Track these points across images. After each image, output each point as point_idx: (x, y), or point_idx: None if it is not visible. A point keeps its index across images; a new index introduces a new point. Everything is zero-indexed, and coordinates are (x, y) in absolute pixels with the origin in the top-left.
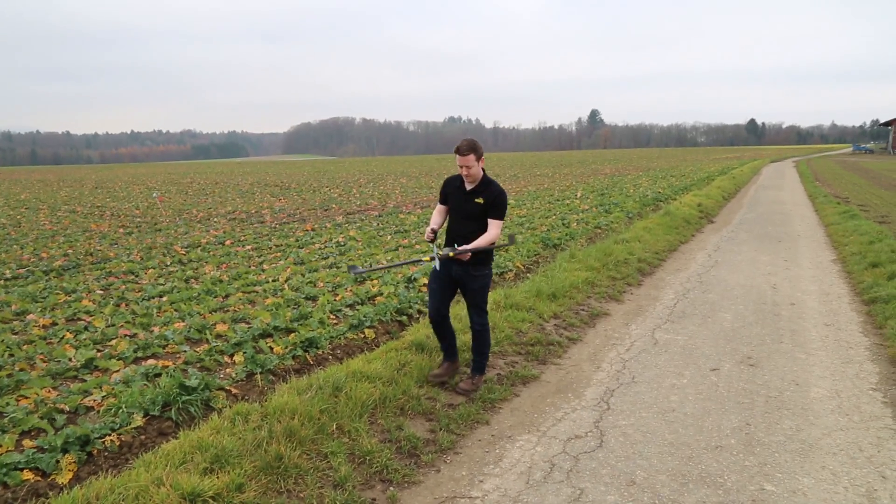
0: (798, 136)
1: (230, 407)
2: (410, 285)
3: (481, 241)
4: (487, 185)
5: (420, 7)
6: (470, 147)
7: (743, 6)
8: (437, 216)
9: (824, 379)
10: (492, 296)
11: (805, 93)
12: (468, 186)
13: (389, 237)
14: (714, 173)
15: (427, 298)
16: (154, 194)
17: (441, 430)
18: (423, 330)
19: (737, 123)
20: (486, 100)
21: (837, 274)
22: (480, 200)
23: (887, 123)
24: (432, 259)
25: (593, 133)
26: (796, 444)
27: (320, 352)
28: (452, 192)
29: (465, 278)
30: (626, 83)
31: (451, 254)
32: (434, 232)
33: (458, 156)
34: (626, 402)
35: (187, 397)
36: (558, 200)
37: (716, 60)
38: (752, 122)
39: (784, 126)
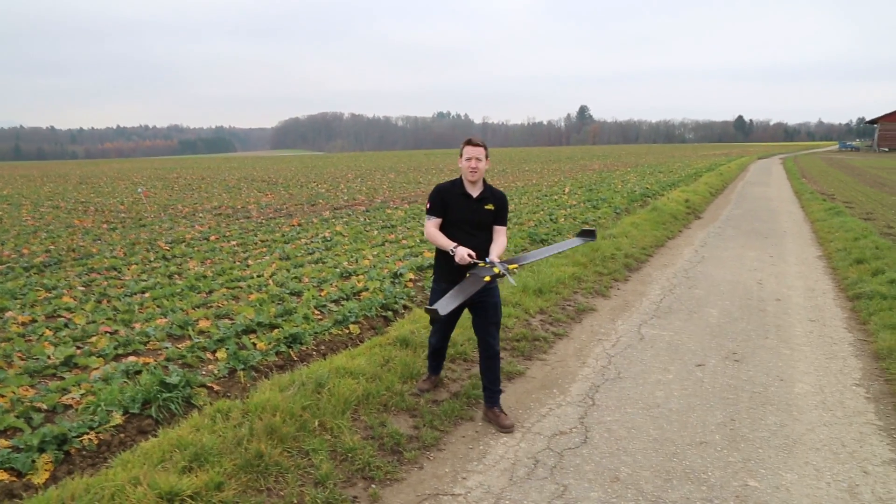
0: (785, 134)
1: (211, 404)
2: (396, 280)
3: (501, 249)
4: (492, 190)
5: (410, 2)
6: (482, 141)
7: (733, 4)
8: (441, 236)
9: (808, 374)
10: None
11: (793, 91)
12: (474, 192)
13: (376, 232)
14: (702, 170)
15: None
16: (139, 189)
17: (425, 426)
18: (407, 325)
19: (725, 120)
20: (475, 95)
21: (823, 270)
22: (491, 207)
23: (873, 121)
24: (502, 275)
25: (582, 129)
26: (780, 439)
27: (304, 348)
28: (455, 200)
29: (483, 295)
30: (616, 80)
31: (511, 267)
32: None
33: (468, 147)
34: (612, 397)
35: (168, 395)
36: (546, 196)
37: (705, 58)
38: (740, 119)
39: (771, 123)
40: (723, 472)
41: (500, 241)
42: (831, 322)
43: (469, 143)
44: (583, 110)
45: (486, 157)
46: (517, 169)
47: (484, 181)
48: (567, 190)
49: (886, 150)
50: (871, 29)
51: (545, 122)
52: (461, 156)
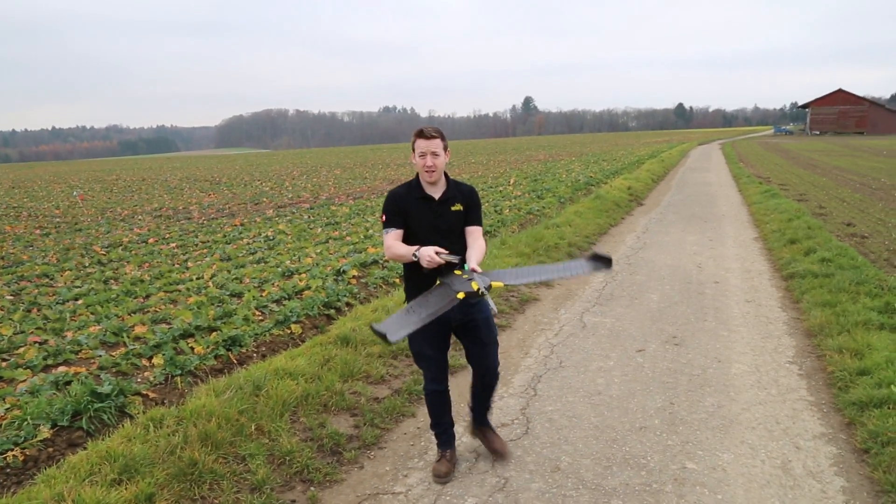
0: (724, 120)
1: (145, 412)
2: (339, 278)
3: (481, 253)
4: (458, 187)
5: None
6: (438, 130)
7: None
8: (401, 246)
9: (745, 355)
10: None
11: (730, 78)
12: (436, 193)
13: (320, 230)
14: (644, 157)
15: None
16: (75, 193)
17: (365, 424)
18: (349, 323)
19: (666, 108)
20: (420, 89)
21: (759, 251)
22: (459, 207)
23: (804, 106)
24: (480, 294)
25: (528, 120)
26: (717, 420)
27: (244, 350)
28: (414, 206)
29: (472, 312)
30: (559, 70)
31: (494, 285)
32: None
33: (420, 141)
34: (553, 387)
35: (100, 405)
36: (492, 188)
37: (643, 48)
38: (681, 106)
39: (711, 110)
40: (661, 456)
41: (478, 244)
42: (766, 302)
43: (421, 135)
44: (528, 101)
45: (445, 148)
46: (463, 162)
47: (447, 177)
48: (512, 181)
49: (818, 133)
50: (806, 19)
51: (491, 114)
52: (413, 151)
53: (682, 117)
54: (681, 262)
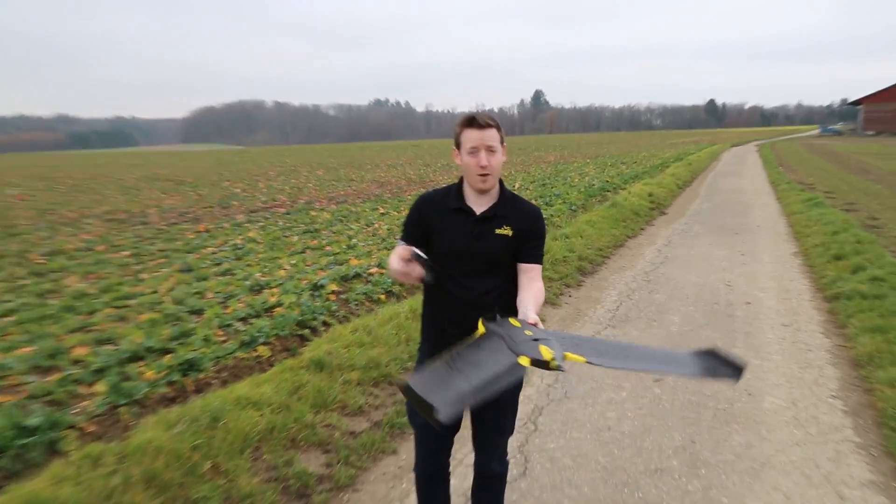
0: (762, 118)
1: (81, 449)
2: (316, 293)
3: (538, 303)
4: (514, 203)
5: None
6: (494, 118)
7: None
8: (394, 258)
9: (780, 387)
10: (409, 304)
11: (769, 71)
12: (478, 206)
13: (297, 238)
14: (669, 160)
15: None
16: (11, 192)
17: (339, 463)
18: (325, 345)
19: (695, 104)
20: (416, 80)
21: (798, 268)
22: (508, 231)
23: (856, 102)
24: (555, 365)
25: (537, 117)
26: (746, 462)
27: (202, 376)
28: (443, 219)
29: None
30: (575, 60)
31: (569, 357)
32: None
33: (469, 131)
34: (557, 421)
35: (27, 440)
36: None
37: (673, 35)
38: (712, 102)
39: (746, 107)
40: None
41: (535, 287)
42: (806, 326)
43: (472, 123)
44: (538, 96)
45: (503, 143)
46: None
47: (501, 186)
48: (517, 186)
49: (872, 133)
50: (854, 3)
51: (496, 110)
52: (458, 147)
53: (713, 115)
54: (707, 280)
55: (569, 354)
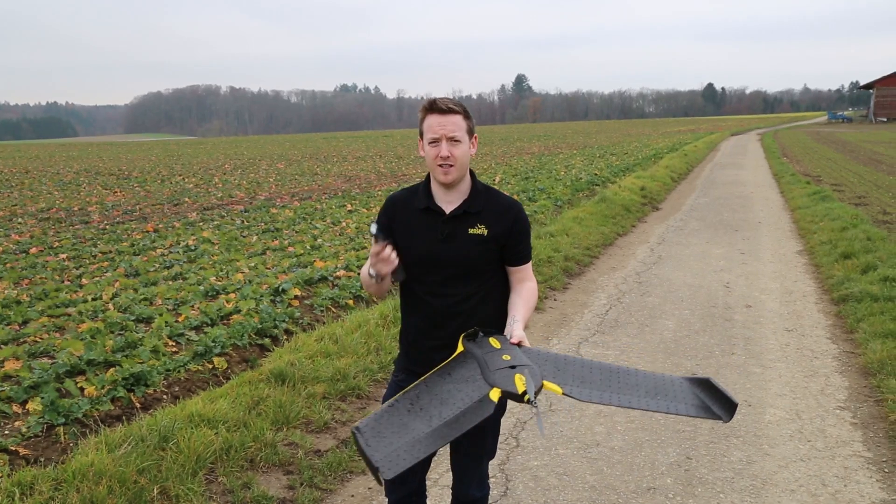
0: (764, 104)
1: (11, 475)
2: (277, 298)
3: (529, 307)
4: (488, 198)
5: None
6: (459, 103)
7: None
8: (364, 272)
9: (783, 397)
10: (380, 310)
11: (772, 51)
12: (447, 203)
13: (256, 238)
14: (663, 150)
15: None
16: None
17: (302, 485)
18: (287, 355)
19: (692, 90)
20: (387, 64)
21: (803, 268)
22: (482, 231)
23: (868, 86)
24: (528, 399)
25: (520, 104)
26: (746, 480)
27: (150, 391)
28: (412, 222)
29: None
30: (560, 42)
31: (547, 386)
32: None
33: (431, 117)
34: (541, 436)
35: None
36: None
37: (668, 14)
38: (710, 87)
39: (748, 92)
40: None
41: (526, 289)
42: (812, 331)
43: (432, 108)
44: (520, 80)
45: (471, 132)
46: None
47: (473, 179)
48: (497, 179)
49: (885, 120)
50: None
51: (474, 97)
52: (421, 137)
53: (711, 101)
54: (704, 281)
55: (547, 383)
